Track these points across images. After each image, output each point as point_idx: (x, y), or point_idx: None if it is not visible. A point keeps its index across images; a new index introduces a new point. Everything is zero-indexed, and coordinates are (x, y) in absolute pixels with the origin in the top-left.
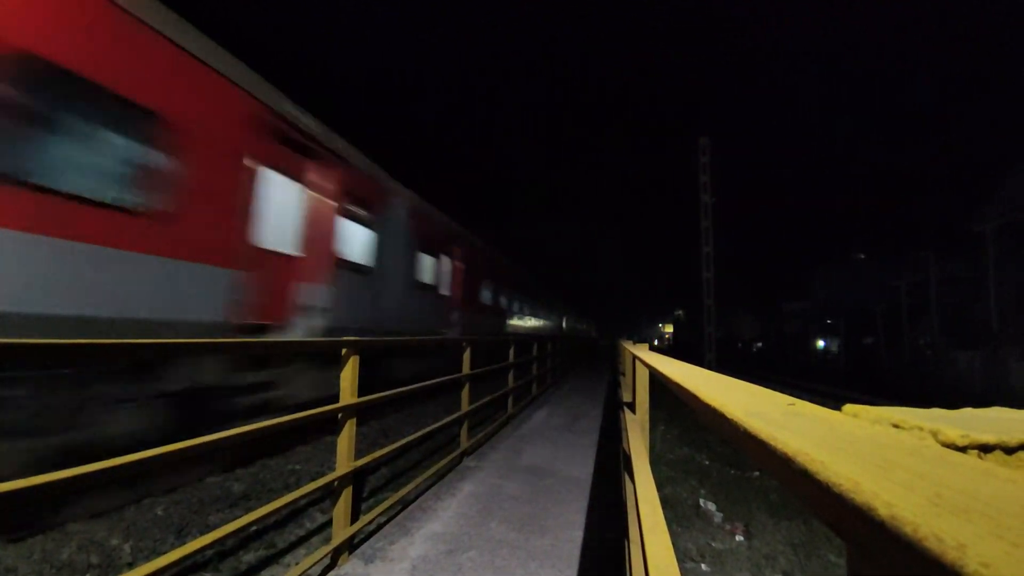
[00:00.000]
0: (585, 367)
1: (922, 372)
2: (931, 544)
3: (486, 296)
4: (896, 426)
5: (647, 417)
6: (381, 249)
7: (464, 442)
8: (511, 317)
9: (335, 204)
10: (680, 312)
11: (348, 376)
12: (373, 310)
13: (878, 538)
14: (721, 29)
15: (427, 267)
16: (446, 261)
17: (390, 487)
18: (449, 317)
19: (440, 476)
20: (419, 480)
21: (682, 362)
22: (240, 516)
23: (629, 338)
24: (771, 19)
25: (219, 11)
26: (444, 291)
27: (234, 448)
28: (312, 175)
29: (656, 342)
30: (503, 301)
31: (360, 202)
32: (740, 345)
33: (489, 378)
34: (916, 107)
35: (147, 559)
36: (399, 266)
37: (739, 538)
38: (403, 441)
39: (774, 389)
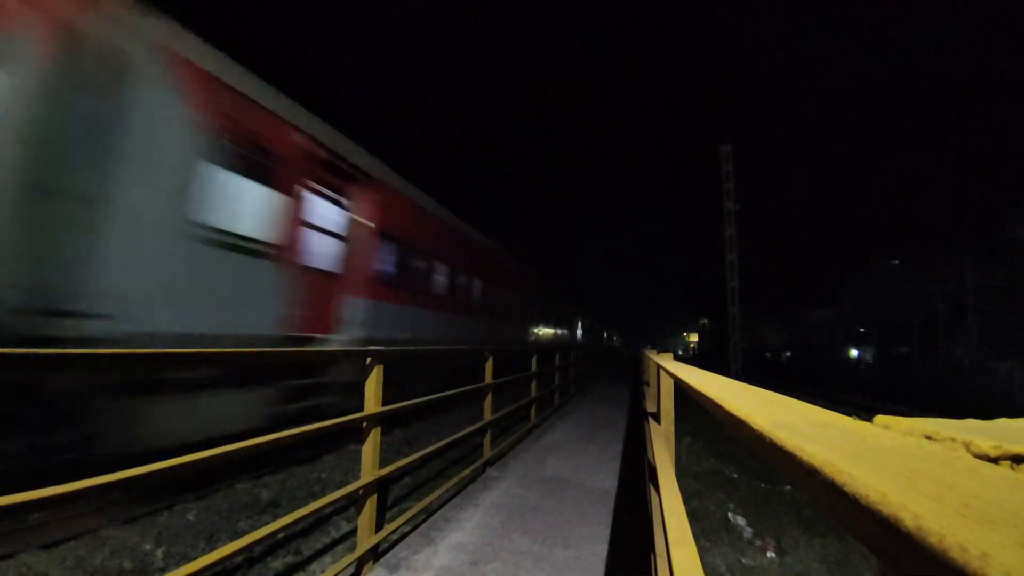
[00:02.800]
0: (608, 377)
1: (959, 383)
2: (955, 554)
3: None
4: (928, 438)
5: (672, 428)
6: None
7: (487, 452)
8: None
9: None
10: (705, 321)
11: (372, 385)
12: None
13: (905, 549)
14: (745, 32)
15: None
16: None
17: (414, 496)
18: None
19: (463, 486)
20: (442, 490)
21: (707, 372)
22: (268, 523)
23: (652, 348)
24: (797, 20)
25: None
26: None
27: (264, 454)
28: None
29: (680, 352)
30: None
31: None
32: (768, 354)
33: (512, 388)
34: (951, 108)
35: (178, 564)
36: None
37: (770, 554)
38: (427, 450)
39: (805, 401)
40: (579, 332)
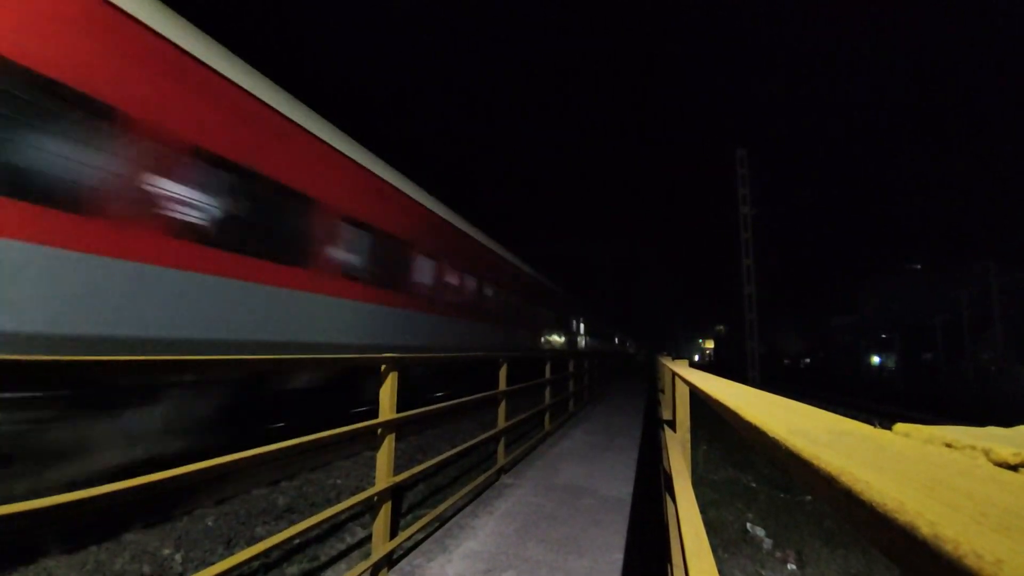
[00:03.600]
0: (622, 383)
1: (986, 389)
2: (970, 561)
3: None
4: (949, 445)
5: (688, 436)
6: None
7: (501, 459)
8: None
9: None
10: (721, 327)
11: (387, 392)
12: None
13: (922, 557)
14: (761, 33)
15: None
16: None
17: (428, 503)
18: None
19: (477, 493)
20: (456, 497)
21: (723, 379)
22: (285, 528)
23: (668, 354)
24: (816, 21)
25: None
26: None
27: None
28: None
29: (696, 358)
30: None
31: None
32: (786, 361)
33: (527, 394)
34: (972, 108)
35: (197, 569)
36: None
37: (791, 566)
38: (441, 457)
39: (825, 409)
40: (595, 339)
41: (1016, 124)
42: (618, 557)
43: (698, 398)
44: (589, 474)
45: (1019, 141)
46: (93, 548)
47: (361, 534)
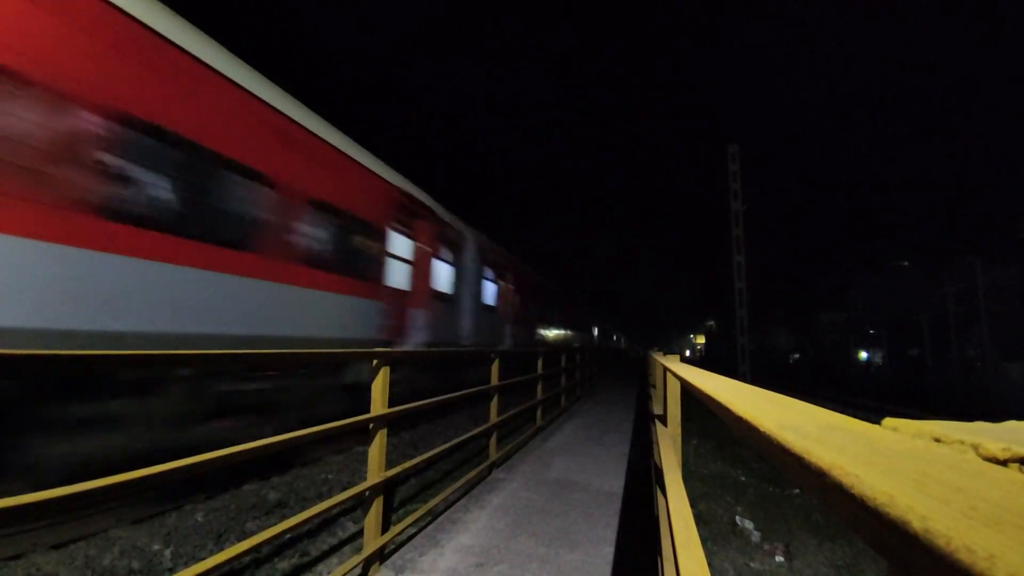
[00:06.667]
0: (614, 379)
1: (971, 385)
2: (962, 556)
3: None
4: (937, 440)
5: (679, 430)
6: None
7: (493, 454)
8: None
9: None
10: (712, 323)
11: (379, 387)
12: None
13: (913, 552)
14: (751, 27)
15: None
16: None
17: (420, 498)
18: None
19: (469, 488)
20: (448, 491)
21: (713, 374)
22: (276, 523)
23: (659, 349)
24: (807, 15)
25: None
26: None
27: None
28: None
29: (688, 353)
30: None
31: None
32: (775, 357)
33: (519, 389)
34: (961, 106)
35: (186, 565)
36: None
37: (779, 559)
38: (433, 452)
39: (813, 404)
40: (592, 335)
41: (1003, 121)
42: (609, 550)
43: (689, 393)
44: (581, 468)
45: (1005, 139)
46: (82, 543)
47: (353, 529)
